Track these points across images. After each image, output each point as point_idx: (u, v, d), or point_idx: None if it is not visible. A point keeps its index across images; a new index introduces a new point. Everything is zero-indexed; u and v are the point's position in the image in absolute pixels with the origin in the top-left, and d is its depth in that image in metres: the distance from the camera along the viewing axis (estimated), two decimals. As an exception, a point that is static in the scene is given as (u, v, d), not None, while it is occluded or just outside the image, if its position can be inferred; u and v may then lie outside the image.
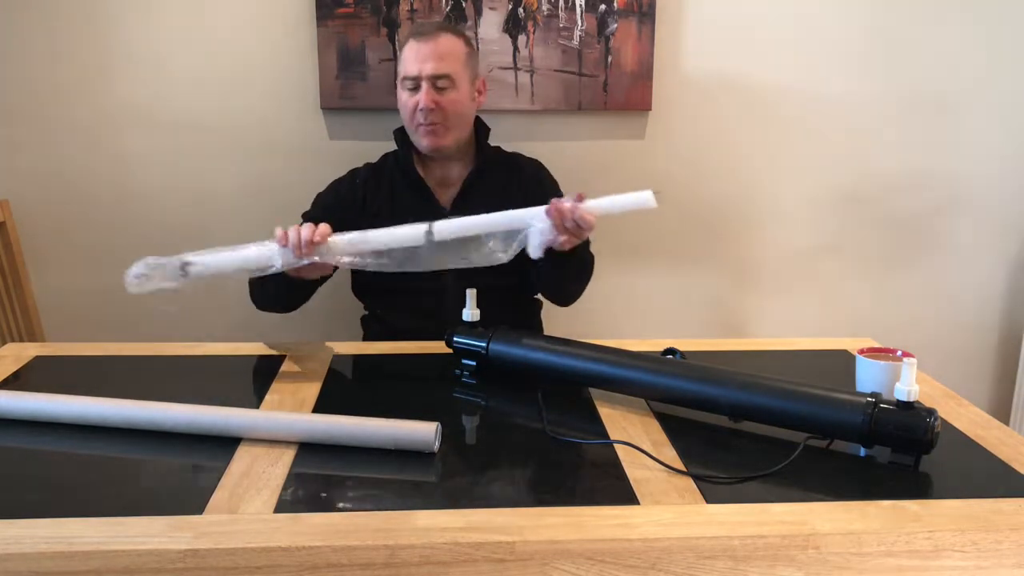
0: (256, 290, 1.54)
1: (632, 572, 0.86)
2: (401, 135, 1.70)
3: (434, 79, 1.58)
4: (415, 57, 1.59)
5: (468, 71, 1.64)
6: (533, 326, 1.80)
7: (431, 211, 1.65)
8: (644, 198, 1.30)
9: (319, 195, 1.72)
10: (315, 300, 2.11)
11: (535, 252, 1.34)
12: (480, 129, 1.72)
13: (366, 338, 1.77)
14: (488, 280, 1.58)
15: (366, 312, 1.79)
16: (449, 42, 1.60)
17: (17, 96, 1.95)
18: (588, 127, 2.06)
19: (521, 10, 1.95)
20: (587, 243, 1.51)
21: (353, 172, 1.74)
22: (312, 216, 1.65)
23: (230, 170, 2.01)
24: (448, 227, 1.33)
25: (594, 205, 1.33)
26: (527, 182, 1.73)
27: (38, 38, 1.92)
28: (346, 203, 1.68)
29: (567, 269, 1.53)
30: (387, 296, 1.70)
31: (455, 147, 1.66)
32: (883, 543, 0.88)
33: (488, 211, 1.65)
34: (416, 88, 1.60)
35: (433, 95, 1.58)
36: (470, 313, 1.36)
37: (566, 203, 1.32)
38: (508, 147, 1.80)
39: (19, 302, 1.94)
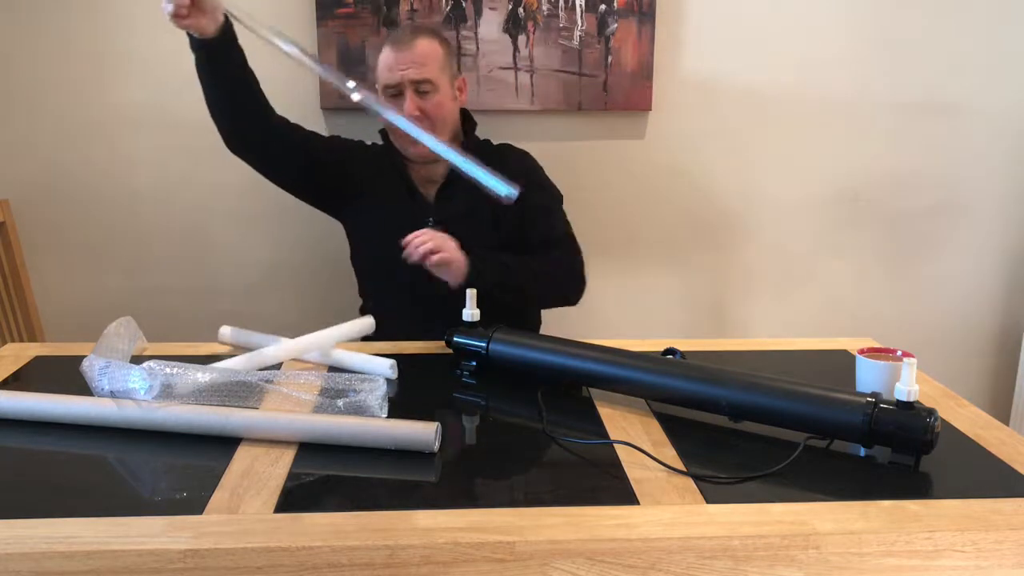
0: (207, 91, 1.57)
1: (632, 572, 0.86)
2: (387, 134, 1.72)
3: (416, 84, 1.59)
4: (394, 64, 1.59)
5: (447, 73, 1.65)
6: (534, 327, 1.80)
7: (415, 205, 1.67)
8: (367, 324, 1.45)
9: (342, 137, 1.80)
10: (315, 299, 2.12)
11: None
12: (466, 123, 1.73)
13: (365, 336, 1.77)
14: None
15: (366, 308, 1.79)
16: (426, 46, 1.60)
17: (17, 96, 1.95)
18: (588, 127, 2.06)
19: (521, 10, 1.95)
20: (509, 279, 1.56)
21: (369, 144, 1.80)
22: (329, 141, 1.75)
23: (230, 170, 2.00)
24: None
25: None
26: (512, 173, 1.72)
27: (39, 39, 1.92)
28: (355, 161, 1.73)
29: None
30: (387, 294, 1.71)
31: None
32: (883, 543, 0.88)
33: (470, 203, 1.66)
34: (398, 95, 1.60)
35: (417, 101, 1.59)
36: (470, 313, 1.36)
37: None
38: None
39: (19, 302, 1.94)
